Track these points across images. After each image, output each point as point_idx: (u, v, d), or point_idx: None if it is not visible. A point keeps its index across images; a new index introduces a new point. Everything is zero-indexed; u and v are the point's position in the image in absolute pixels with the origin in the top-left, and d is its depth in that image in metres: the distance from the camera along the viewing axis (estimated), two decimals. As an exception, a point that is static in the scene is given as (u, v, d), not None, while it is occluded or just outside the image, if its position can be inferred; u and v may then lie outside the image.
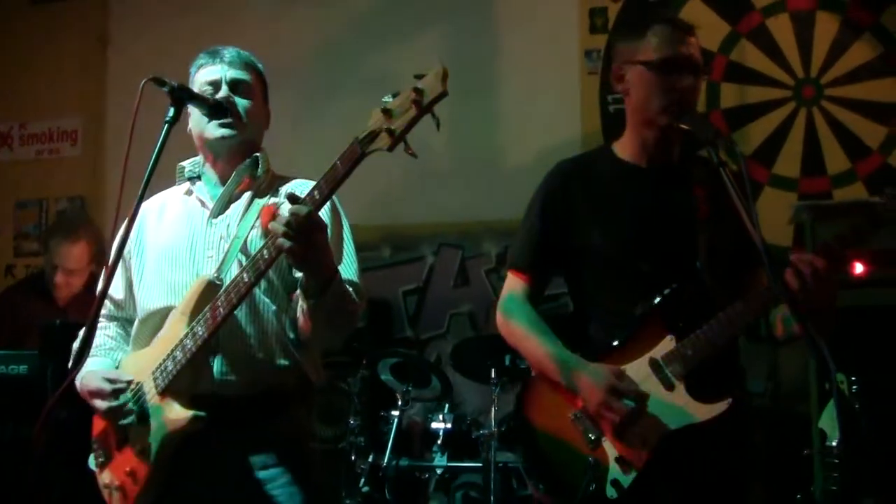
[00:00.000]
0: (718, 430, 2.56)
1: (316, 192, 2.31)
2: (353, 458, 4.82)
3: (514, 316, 2.85)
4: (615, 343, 2.70)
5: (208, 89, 2.74)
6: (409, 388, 4.87)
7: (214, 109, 2.70)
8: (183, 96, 2.60)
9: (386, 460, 4.64)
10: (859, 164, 5.68)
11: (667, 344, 2.62)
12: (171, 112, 2.57)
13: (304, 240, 2.27)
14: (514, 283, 2.91)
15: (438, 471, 4.71)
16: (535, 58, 6.26)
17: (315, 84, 6.48)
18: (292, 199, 2.32)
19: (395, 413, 4.79)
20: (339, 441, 5.04)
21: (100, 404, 2.60)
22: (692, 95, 2.74)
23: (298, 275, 2.48)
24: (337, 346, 2.72)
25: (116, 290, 2.84)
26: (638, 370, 2.63)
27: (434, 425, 4.78)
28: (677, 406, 2.57)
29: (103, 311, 2.83)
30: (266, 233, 2.52)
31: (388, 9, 6.58)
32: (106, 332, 2.86)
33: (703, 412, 2.55)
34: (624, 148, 2.91)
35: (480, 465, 4.58)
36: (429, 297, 6.31)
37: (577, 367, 2.66)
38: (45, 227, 6.92)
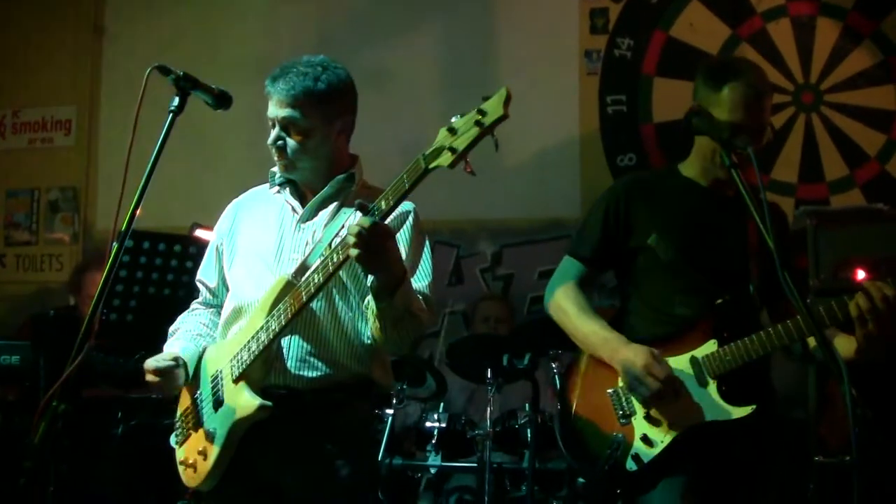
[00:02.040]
0: (741, 431, 2.84)
1: (382, 203, 2.47)
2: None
3: (564, 296, 3.12)
4: (662, 337, 2.97)
5: (270, 124, 2.86)
6: (404, 387, 4.84)
7: (219, 99, 2.69)
8: (187, 86, 2.59)
9: (379, 459, 4.60)
10: (857, 170, 5.70)
11: (709, 346, 2.89)
12: (176, 101, 2.56)
13: (369, 248, 2.43)
14: (569, 268, 3.18)
15: (432, 470, 4.68)
16: (535, 57, 6.24)
17: (312, 78, 6.43)
18: (362, 208, 2.48)
19: (389, 411, 4.76)
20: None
21: (148, 378, 2.80)
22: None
23: (370, 279, 2.64)
24: (405, 351, 2.85)
25: (210, 278, 3.07)
26: (678, 363, 2.91)
27: (428, 424, 4.75)
28: (706, 402, 2.86)
29: (200, 298, 3.12)
30: None
31: (386, 5, 6.55)
32: (200, 318, 3.07)
33: (729, 412, 2.83)
34: (688, 168, 3.13)
35: (475, 465, 4.56)
36: (423, 296, 6.27)
37: (619, 344, 2.96)
38: (36, 216, 6.87)
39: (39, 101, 7.01)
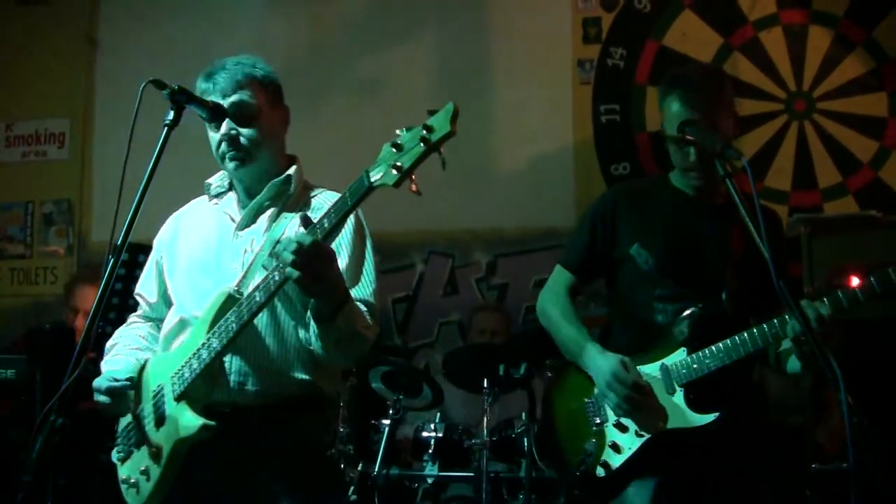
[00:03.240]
0: (710, 438, 2.87)
1: (325, 221, 2.34)
2: (342, 466, 4.77)
3: (552, 304, 3.20)
4: (638, 345, 3.02)
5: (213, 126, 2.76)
6: (401, 397, 4.83)
7: (213, 113, 2.69)
8: (182, 99, 2.58)
9: (376, 469, 4.60)
10: (850, 178, 5.71)
11: (679, 354, 2.94)
12: (171, 115, 2.56)
13: (309, 269, 2.31)
14: (559, 277, 3.25)
15: (429, 480, 4.68)
16: (528, 66, 6.26)
17: (306, 86, 6.43)
18: (305, 222, 2.35)
19: (386, 422, 4.75)
20: (328, 449, 5.00)
21: (100, 399, 2.70)
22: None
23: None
24: (350, 365, 2.73)
25: (150, 292, 2.97)
26: (649, 371, 2.97)
27: (425, 434, 4.74)
28: (672, 410, 2.92)
29: (139, 312, 3.02)
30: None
31: (381, 13, 6.56)
32: (138, 331, 2.97)
33: (693, 420, 2.88)
34: (675, 177, 3.17)
35: (472, 474, 4.55)
36: (418, 306, 6.28)
37: (594, 353, 3.02)
38: (30, 229, 6.86)
39: (33, 114, 6.99)
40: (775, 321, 2.78)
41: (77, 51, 6.99)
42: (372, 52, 6.45)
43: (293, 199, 2.81)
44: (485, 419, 4.55)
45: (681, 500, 2.93)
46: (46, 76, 6.99)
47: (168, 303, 2.90)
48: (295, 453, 2.67)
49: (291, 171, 2.82)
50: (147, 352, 2.88)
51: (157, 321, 2.96)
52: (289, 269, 2.32)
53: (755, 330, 2.81)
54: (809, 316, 2.64)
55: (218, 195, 2.90)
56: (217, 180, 2.93)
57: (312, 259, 2.30)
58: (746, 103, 5.85)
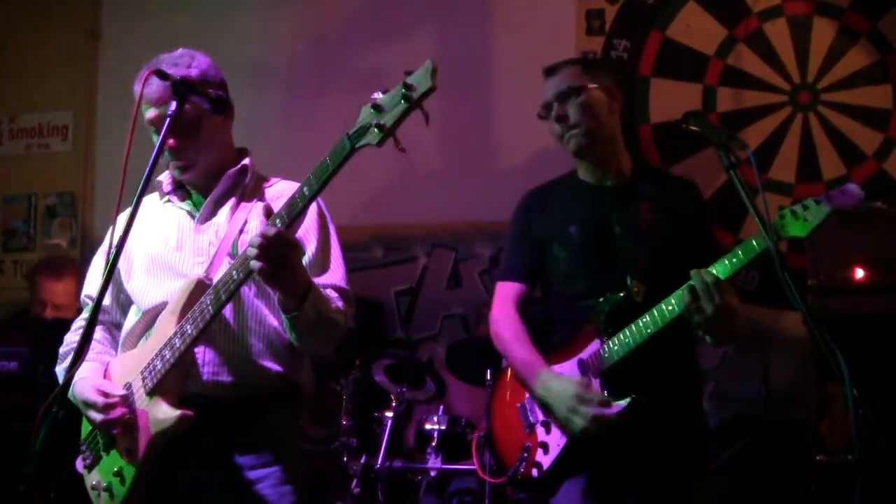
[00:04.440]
0: (631, 425, 2.79)
1: (305, 189, 2.32)
2: (345, 458, 4.78)
3: (504, 326, 3.14)
4: (558, 343, 3.03)
5: (152, 128, 2.69)
6: (404, 390, 4.83)
7: (216, 104, 2.67)
8: (185, 90, 2.56)
9: (380, 462, 4.60)
10: (854, 170, 5.68)
11: (594, 347, 2.91)
12: (174, 106, 2.54)
13: (274, 260, 2.30)
14: (505, 293, 3.20)
15: (433, 473, 4.68)
16: (531, 58, 6.20)
17: (308, 80, 6.45)
18: (268, 212, 2.35)
19: (389, 414, 4.75)
20: (331, 442, 5.01)
21: (94, 416, 2.60)
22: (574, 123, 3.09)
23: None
24: (328, 352, 2.70)
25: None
26: (566, 369, 2.95)
27: (428, 427, 4.74)
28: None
29: (88, 315, 2.77)
30: None
31: (382, 6, 6.55)
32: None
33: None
34: (578, 168, 3.22)
35: (475, 467, 4.55)
36: (421, 299, 6.27)
37: (547, 377, 2.94)
38: (33, 222, 6.86)
39: (36, 107, 7.00)
40: (671, 298, 2.73)
41: (80, 43, 6.99)
42: (373, 46, 6.42)
43: (250, 190, 2.78)
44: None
45: (615, 490, 2.90)
46: (49, 69, 6.99)
47: (122, 306, 2.84)
48: (272, 445, 2.64)
49: (246, 161, 2.81)
50: (105, 355, 2.82)
51: (108, 324, 2.89)
52: (252, 262, 2.31)
53: (654, 310, 2.75)
54: (699, 288, 2.61)
55: (169, 192, 2.84)
56: (167, 179, 2.86)
57: (275, 248, 2.30)
58: (750, 95, 5.83)
